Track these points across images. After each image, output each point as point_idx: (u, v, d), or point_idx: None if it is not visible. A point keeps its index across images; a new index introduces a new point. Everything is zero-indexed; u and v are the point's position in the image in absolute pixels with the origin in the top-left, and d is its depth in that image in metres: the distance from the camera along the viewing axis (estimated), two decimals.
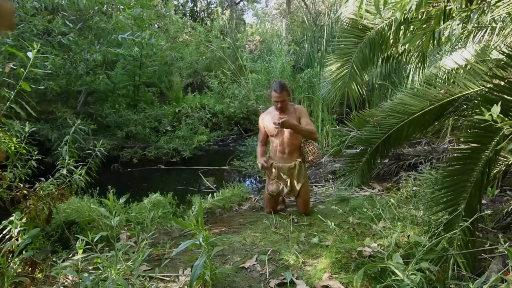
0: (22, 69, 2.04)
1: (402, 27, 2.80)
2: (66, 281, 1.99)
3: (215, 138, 6.78)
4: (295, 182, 3.05)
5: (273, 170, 3.09)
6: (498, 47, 2.99)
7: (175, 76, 7.93)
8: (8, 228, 1.80)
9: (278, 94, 2.87)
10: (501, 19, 2.58)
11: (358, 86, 3.51)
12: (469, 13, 1.89)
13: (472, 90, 2.43)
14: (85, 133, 3.75)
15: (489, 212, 1.91)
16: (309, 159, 3.07)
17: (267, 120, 3.03)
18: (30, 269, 1.90)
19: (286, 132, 2.95)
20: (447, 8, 2.14)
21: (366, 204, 2.96)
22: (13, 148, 2.02)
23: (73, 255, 2.06)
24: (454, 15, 2.10)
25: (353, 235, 2.55)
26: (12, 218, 1.80)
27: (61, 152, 2.42)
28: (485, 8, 1.85)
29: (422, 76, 3.77)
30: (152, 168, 5.50)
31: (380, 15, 2.86)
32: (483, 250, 2.10)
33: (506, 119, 1.36)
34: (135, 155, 5.72)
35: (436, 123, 3.09)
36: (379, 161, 3.99)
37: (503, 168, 2.70)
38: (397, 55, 3.39)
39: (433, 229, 1.83)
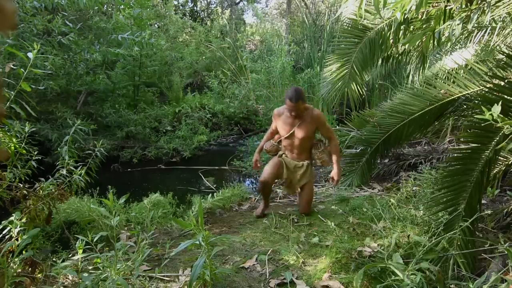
0: (22, 69, 2.04)
1: (402, 27, 2.80)
2: (66, 281, 1.99)
3: (215, 138, 6.77)
4: (297, 180, 3.00)
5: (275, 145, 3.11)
6: (498, 47, 2.99)
7: (175, 76, 7.92)
8: (8, 228, 1.80)
9: (293, 105, 2.73)
10: (501, 19, 2.58)
11: (358, 86, 3.52)
12: (469, 13, 1.89)
13: (472, 90, 2.44)
14: (85, 133, 3.74)
15: (489, 212, 1.91)
16: (318, 164, 3.04)
17: (281, 121, 2.95)
18: (30, 269, 1.90)
19: (296, 137, 2.91)
20: (447, 8, 2.14)
21: (366, 204, 2.95)
22: (13, 148, 2.02)
23: (73, 255, 2.06)
24: (454, 15, 2.11)
25: (353, 235, 2.55)
26: (12, 218, 1.80)
27: (61, 152, 2.41)
28: (485, 8, 1.85)
29: (422, 76, 3.77)
30: (152, 168, 5.50)
31: (380, 15, 2.87)
32: (483, 250, 2.09)
33: (506, 119, 1.37)
34: (135, 155, 5.72)
35: (436, 123, 3.10)
36: (379, 161, 3.99)
37: (503, 168, 2.70)
38: (397, 55, 3.39)
39: (433, 229, 1.83)
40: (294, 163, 3.00)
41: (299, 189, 3.12)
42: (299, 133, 2.89)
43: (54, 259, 2.04)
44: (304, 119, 2.86)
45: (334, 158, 2.94)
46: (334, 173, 2.95)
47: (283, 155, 3.04)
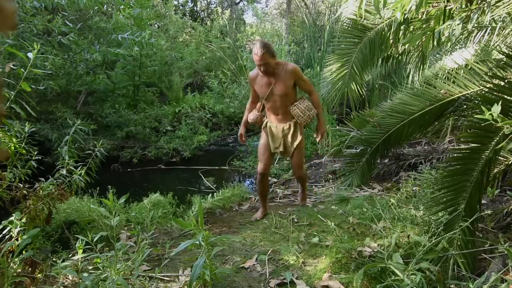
0: (22, 69, 2.04)
1: (402, 27, 2.80)
2: (66, 281, 1.99)
3: (215, 138, 6.77)
4: (289, 143, 2.91)
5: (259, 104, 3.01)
6: (498, 47, 2.99)
7: (175, 76, 7.92)
8: (8, 228, 1.80)
9: (258, 57, 2.55)
10: (501, 19, 2.58)
11: (358, 86, 3.52)
12: (469, 13, 1.89)
13: (472, 90, 2.44)
14: (85, 133, 3.74)
15: (489, 212, 1.91)
16: (299, 120, 2.83)
17: (258, 83, 2.83)
18: (30, 269, 1.90)
19: (276, 95, 2.78)
20: (447, 8, 2.14)
21: (366, 204, 2.95)
22: (13, 148, 2.02)
23: (73, 255, 2.06)
24: (454, 15, 2.11)
25: (353, 235, 2.55)
26: (12, 218, 1.80)
27: (61, 152, 2.41)
28: (485, 8, 1.85)
29: (422, 76, 3.78)
30: (152, 168, 5.50)
31: (380, 15, 2.87)
32: (483, 250, 2.10)
33: (506, 119, 1.37)
34: (135, 155, 5.71)
35: (436, 123, 3.10)
36: (379, 161, 3.99)
37: (503, 168, 2.70)
38: (397, 55, 3.39)
39: (433, 229, 1.83)
40: (281, 126, 2.88)
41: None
42: (278, 90, 2.74)
43: (54, 259, 2.04)
44: (280, 75, 2.72)
45: (316, 111, 2.86)
46: (318, 127, 2.95)
47: (268, 123, 2.93)
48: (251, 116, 3.01)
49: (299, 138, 2.90)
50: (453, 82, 2.56)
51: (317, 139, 3.01)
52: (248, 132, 7.48)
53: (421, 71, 3.31)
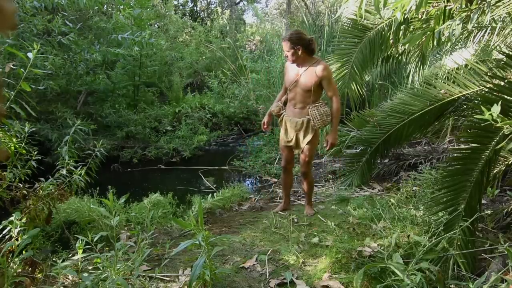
0: (22, 69, 2.04)
1: (402, 27, 2.80)
2: (66, 281, 1.99)
3: (215, 138, 6.78)
4: (301, 138, 2.89)
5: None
6: (498, 47, 2.99)
7: (175, 76, 7.92)
8: (8, 228, 1.80)
9: (283, 43, 2.69)
10: (501, 19, 2.58)
11: (358, 86, 3.52)
12: (469, 13, 1.89)
13: (472, 90, 2.44)
14: (85, 133, 3.74)
15: (489, 212, 1.91)
16: (313, 122, 2.81)
17: (288, 71, 2.87)
18: (30, 269, 1.90)
19: (299, 87, 2.79)
20: (447, 8, 2.14)
21: (366, 204, 2.95)
22: (13, 148, 2.02)
23: (73, 255, 2.06)
24: (454, 15, 2.11)
25: (353, 235, 2.55)
26: (12, 218, 1.80)
27: (61, 152, 2.41)
28: (485, 8, 1.85)
29: (422, 76, 3.78)
30: (152, 168, 5.50)
31: (380, 15, 2.87)
32: (483, 250, 2.10)
33: (506, 119, 1.37)
34: (135, 155, 5.72)
35: (436, 123, 3.10)
36: (379, 161, 3.99)
37: (503, 168, 2.70)
38: (397, 55, 3.40)
39: (433, 229, 1.83)
40: (295, 121, 2.87)
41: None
42: (302, 84, 2.75)
43: (54, 259, 2.03)
44: (309, 70, 2.73)
45: (333, 120, 2.83)
46: (329, 136, 2.86)
47: (284, 116, 2.94)
48: (273, 106, 3.02)
49: (310, 135, 2.87)
50: (453, 82, 2.56)
51: (326, 148, 2.99)
52: (247, 132, 7.53)
53: (421, 71, 3.32)
